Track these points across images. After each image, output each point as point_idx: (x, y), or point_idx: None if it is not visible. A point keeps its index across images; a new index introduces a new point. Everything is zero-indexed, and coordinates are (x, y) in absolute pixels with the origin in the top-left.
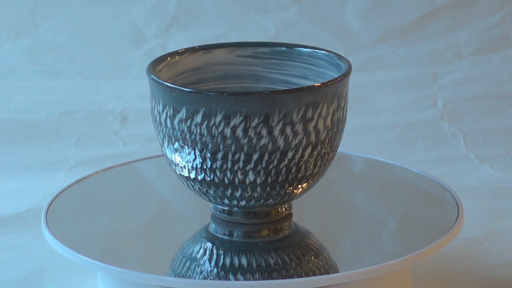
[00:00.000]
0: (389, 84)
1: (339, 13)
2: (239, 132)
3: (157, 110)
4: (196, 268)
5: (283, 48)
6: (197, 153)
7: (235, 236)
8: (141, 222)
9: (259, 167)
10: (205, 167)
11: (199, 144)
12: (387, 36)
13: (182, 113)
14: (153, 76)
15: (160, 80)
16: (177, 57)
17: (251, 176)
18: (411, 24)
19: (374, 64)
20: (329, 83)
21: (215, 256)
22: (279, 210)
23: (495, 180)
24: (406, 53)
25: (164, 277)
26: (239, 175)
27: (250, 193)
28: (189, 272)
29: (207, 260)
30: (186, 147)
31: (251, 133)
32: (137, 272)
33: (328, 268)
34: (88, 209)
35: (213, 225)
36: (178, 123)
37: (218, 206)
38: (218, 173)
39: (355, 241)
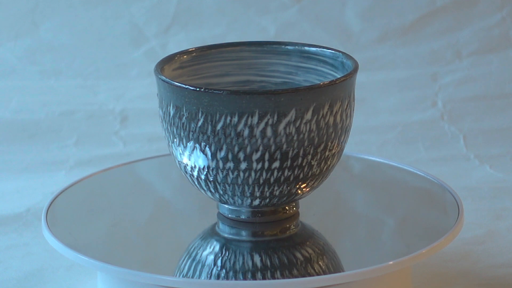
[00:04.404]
0: (389, 84)
1: (339, 13)
2: (322, 123)
3: (236, 123)
4: (203, 268)
5: (200, 52)
6: (278, 155)
7: (242, 236)
8: (141, 222)
9: (319, 155)
10: (290, 164)
11: (284, 146)
12: (387, 36)
13: (268, 118)
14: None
15: (226, 93)
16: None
17: (315, 168)
18: (411, 24)
19: (374, 64)
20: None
21: (222, 256)
22: (287, 209)
23: (495, 180)
24: (406, 53)
25: (164, 277)
26: (314, 168)
27: (304, 185)
28: (193, 272)
29: (213, 260)
30: (261, 150)
31: (331, 119)
32: (137, 272)
33: (334, 267)
34: (88, 209)
35: (220, 225)
36: (262, 130)
37: (225, 205)
38: (277, 172)
39: (355, 241)
